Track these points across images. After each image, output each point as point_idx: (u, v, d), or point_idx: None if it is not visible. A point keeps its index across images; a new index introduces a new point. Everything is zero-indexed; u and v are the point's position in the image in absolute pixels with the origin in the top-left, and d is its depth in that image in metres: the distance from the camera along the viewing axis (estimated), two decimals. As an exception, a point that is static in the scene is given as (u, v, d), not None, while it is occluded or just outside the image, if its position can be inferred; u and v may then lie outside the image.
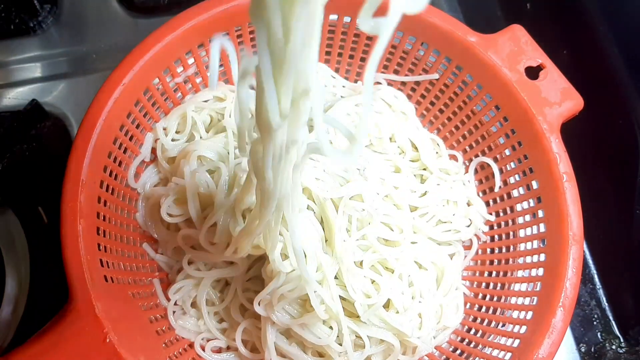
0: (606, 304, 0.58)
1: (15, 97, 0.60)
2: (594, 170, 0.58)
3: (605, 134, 0.57)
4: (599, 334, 0.57)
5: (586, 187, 0.60)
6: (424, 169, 0.53)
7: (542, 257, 0.46)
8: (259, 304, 0.43)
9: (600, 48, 0.55)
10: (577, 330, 0.57)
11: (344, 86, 0.55)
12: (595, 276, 0.59)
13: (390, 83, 0.55)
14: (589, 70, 0.57)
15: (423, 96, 0.54)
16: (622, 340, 0.56)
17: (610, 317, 0.57)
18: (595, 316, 0.57)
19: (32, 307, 0.49)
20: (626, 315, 0.57)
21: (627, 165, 0.53)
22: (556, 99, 0.47)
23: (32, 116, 0.56)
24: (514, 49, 0.48)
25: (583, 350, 0.56)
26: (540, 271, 0.45)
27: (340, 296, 0.44)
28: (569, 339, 0.56)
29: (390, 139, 0.53)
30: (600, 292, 0.58)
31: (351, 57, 0.54)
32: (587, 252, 0.60)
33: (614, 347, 0.56)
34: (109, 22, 0.64)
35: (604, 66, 0.55)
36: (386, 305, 0.45)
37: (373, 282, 0.45)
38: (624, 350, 0.56)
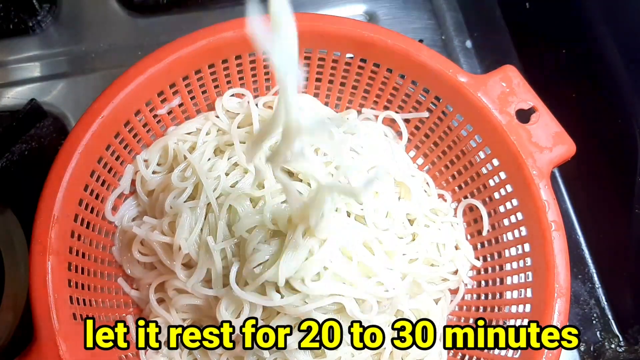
0: (605, 303, 0.57)
1: (14, 96, 0.60)
2: (594, 169, 0.57)
3: (605, 133, 0.56)
4: (598, 333, 0.56)
5: (586, 186, 0.59)
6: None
7: (528, 307, 0.44)
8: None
9: (599, 47, 0.54)
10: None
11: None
12: (595, 275, 0.58)
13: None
14: (588, 70, 0.56)
15: (413, 134, 0.53)
16: (621, 339, 0.56)
17: (610, 316, 0.57)
18: (595, 315, 0.57)
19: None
20: (625, 314, 0.56)
21: (627, 165, 0.53)
22: (547, 143, 0.45)
23: (31, 116, 0.56)
24: (505, 90, 0.47)
25: (582, 349, 0.55)
26: (525, 322, 0.44)
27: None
28: (568, 337, 0.56)
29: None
30: (600, 291, 0.58)
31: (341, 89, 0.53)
32: (587, 251, 0.59)
33: (613, 346, 0.55)
34: (108, 21, 0.64)
35: (604, 65, 0.54)
36: None
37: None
38: (623, 349, 0.55)
